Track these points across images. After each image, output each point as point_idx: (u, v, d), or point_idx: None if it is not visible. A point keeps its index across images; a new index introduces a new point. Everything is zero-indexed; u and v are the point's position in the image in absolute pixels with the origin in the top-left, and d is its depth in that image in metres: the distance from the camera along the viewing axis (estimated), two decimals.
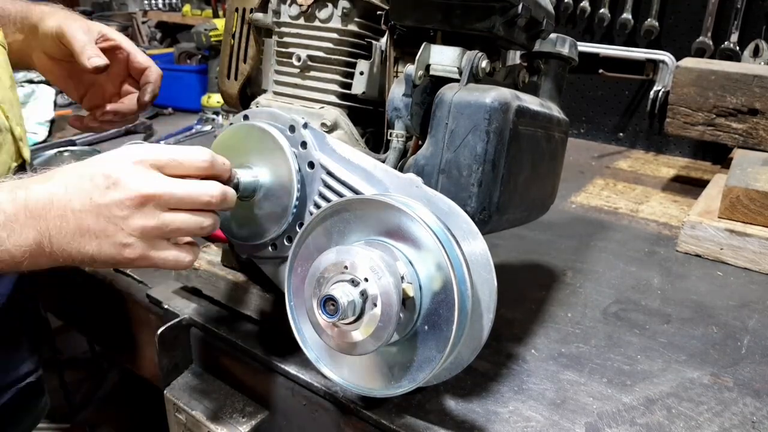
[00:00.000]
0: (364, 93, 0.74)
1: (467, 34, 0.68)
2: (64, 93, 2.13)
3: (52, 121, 1.77)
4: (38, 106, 1.82)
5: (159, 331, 0.81)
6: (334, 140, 0.70)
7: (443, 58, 0.68)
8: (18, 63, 0.91)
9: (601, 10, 1.80)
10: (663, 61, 1.67)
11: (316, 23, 0.74)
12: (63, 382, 2.31)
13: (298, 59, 0.75)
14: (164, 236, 0.60)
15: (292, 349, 0.76)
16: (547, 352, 0.80)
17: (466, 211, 0.61)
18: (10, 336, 0.91)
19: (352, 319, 0.54)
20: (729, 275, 1.06)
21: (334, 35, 0.73)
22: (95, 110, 0.99)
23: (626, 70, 1.73)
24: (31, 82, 1.90)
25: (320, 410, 0.72)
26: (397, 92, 0.69)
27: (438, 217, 0.60)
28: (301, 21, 0.75)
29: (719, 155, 1.66)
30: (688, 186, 1.52)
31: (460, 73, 0.67)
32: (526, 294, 0.95)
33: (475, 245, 0.60)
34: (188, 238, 0.64)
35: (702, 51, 1.66)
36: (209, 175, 0.62)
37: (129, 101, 0.98)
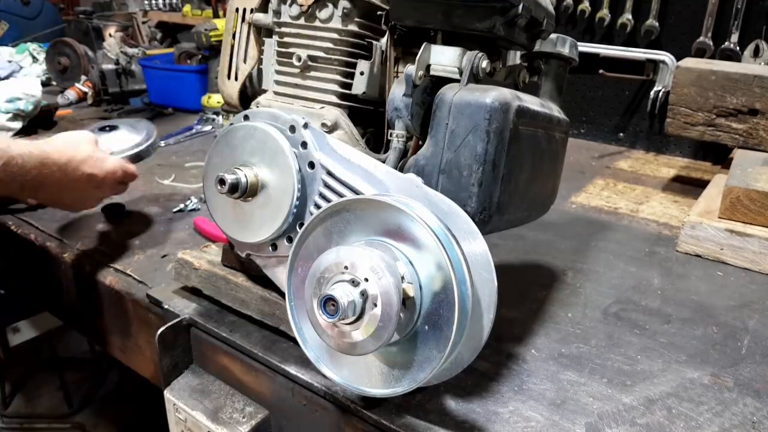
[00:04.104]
0: (364, 93, 0.74)
1: (468, 34, 0.68)
2: (63, 93, 2.14)
3: None
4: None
5: (159, 331, 0.81)
6: (334, 140, 0.70)
7: (443, 58, 0.68)
8: None
9: (602, 11, 1.80)
10: (663, 62, 1.67)
11: (317, 23, 0.74)
12: (63, 382, 2.31)
13: (299, 59, 0.75)
14: None
15: (292, 349, 0.76)
16: (548, 352, 0.80)
17: (466, 212, 0.61)
18: None
19: (352, 319, 0.54)
20: (729, 275, 1.06)
21: (335, 35, 0.73)
22: None
23: (626, 70, 1.73)
24: None
25: (320, 410, 0.72)
26: (397, 92, 0.69)
27: (438, 217, 0.60)
28: (302, 21, 0.75)
29: (719, 155, 1.66)
30: (689, 186, 1.52)
31: (461, 73, 0.67)
32: (526, 294, 0.95)
33: (476, 245, 0.60)
34: None
35: (702, 51, 1.66)
36: None
37: None
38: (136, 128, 1.23)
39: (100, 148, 1.02)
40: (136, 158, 1.14)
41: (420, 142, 0.69)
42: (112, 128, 1.22)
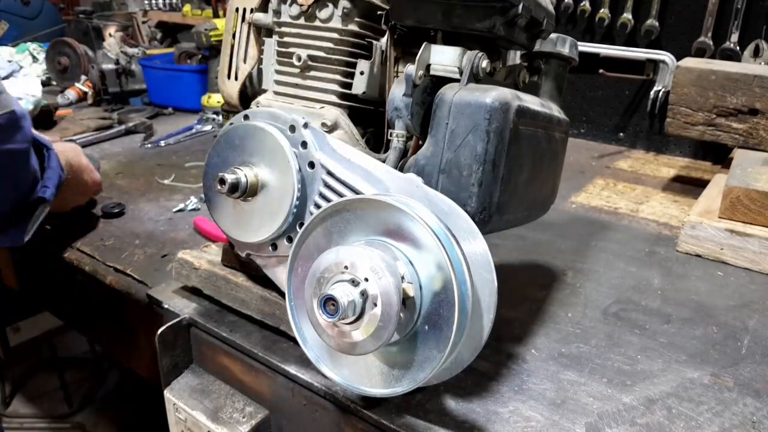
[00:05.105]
0: (364, 93, 0.74)
1: (468, 34, 0.68)
2: (63, 93, 2.14)
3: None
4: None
5: (159, 331, 0.81)
6: (334, 140, 0.70)
7: (443, 58, 0.68)
8: None
9: (602, 10, 1.80)
10: (663, 61, 1.67)
11: (317, 23, 0.74)
12: (63, 382, 2.32)
13: (299, 59, 0.75)
14: None
15: (292, 349, 0.76)
16: (548, 352, 0.80)
17: (466, 211, 0.61)
18: None
19: (352, 319, 0.55)
20: (729, 275, 1.06)
21: (335, 35, 0.73)
22: None
23: (626, 70, 1.73)
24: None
25: (320, 410, 0.72)
26: (397, 92, 0.69)
27: (438, 217, 0.60)
28: (302, 21, 0.75)
29: (719, 155, 1.66)
30: (689, 186, 1.52)
31: (461, 73, 0.67)
32: (526, 294, 0.95)
33: (476, 245, 0.60)
34: None
35: (702, 51, 1.66)
36: None
37: None
38: None
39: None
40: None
41: (420, 142, 0.69)
42: None
